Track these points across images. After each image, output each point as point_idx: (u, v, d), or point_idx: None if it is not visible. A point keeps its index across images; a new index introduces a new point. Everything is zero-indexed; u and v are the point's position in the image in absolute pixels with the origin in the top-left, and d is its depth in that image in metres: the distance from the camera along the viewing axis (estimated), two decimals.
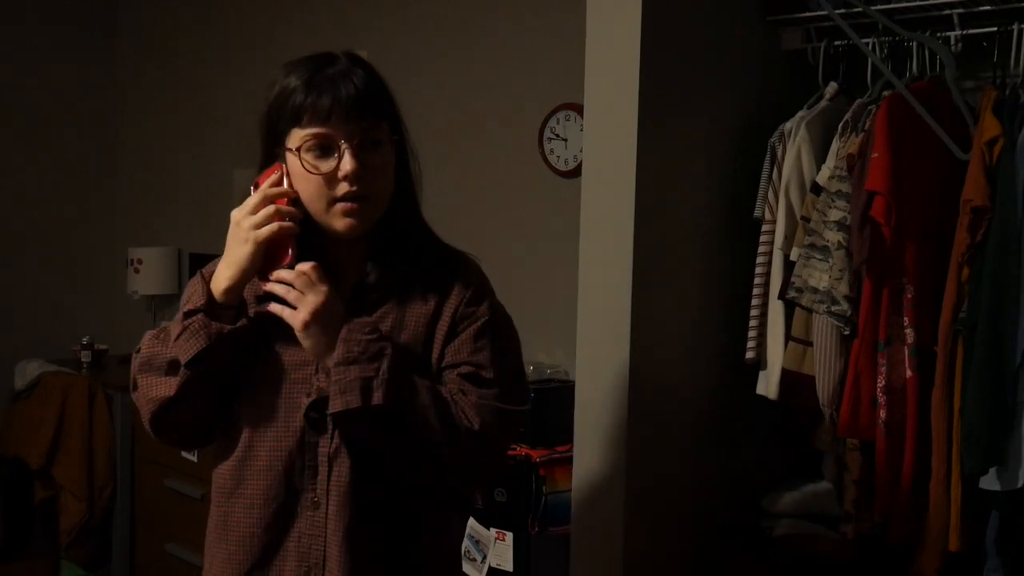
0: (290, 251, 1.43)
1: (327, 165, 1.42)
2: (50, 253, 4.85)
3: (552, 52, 3.38)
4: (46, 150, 4.84)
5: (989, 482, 2.05)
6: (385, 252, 1.52)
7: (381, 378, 1.39)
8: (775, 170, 2.37)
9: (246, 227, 1.42)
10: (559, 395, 2.73)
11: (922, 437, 2.14)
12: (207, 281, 1.46)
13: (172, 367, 1.45)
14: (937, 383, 2.12)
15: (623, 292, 2.21)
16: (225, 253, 1.45)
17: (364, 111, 1.43)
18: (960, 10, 2.24)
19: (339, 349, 1.40)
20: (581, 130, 3.32)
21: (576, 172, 3.33)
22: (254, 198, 1.44)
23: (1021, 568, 2.12)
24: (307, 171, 1.42)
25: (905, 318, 2.16)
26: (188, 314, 1.44)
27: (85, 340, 4.47)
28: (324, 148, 1.42)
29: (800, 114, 2.39)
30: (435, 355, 1.51)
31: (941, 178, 2.17)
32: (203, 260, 5.10)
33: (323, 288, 1.43)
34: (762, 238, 2.38)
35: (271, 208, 1.42)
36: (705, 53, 2.37)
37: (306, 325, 1.41)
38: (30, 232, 4.77)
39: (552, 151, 3.38)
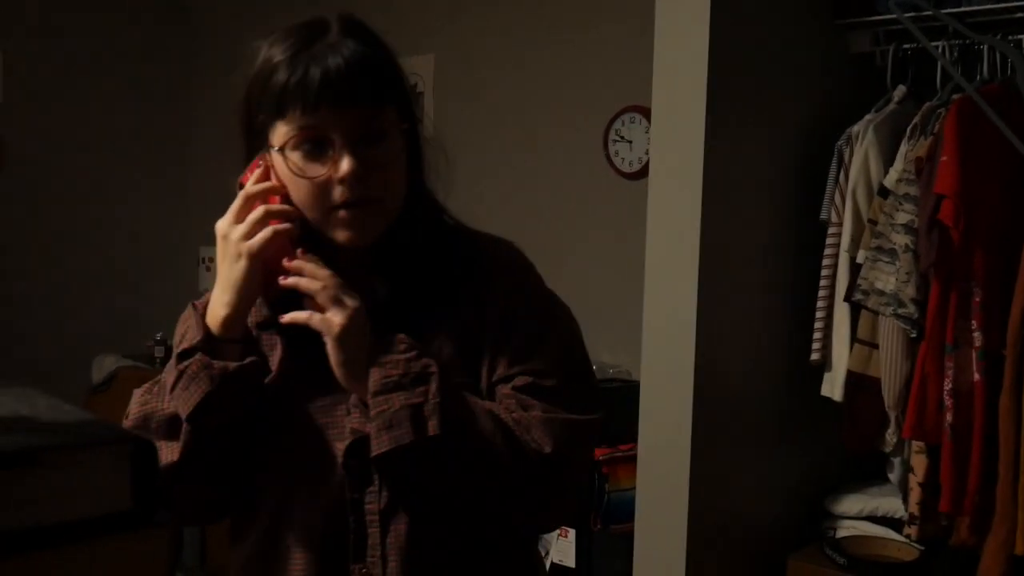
0: (288, 256, 1.15)
1: (318, 168, 1.12)
2: (126, 250, 5.00)
3: (617, 55, 3.41)
4: (124, 149, 4.99)
5: None
6: (399, 262, 1.20)
7: (432, 403, 1.09)
8: (842, 173, 2.38)
9: (235, 239, 1.13)
10: (622, 394, 2.76)
11: (989, 441, 2.14)
12: (202, 314, 1.16)
13: (172, 426, 1.15)
14: (1005, 387, 2.11)
15: (689, 293, 2.23)
16: (217, 276, 1.16)
17: (360, 93, 1.12)
18: None
19: (374, 375, 1.10)
20: (646, 132, 3.35)
21: (641, 174, 3.36)
22: (237, 203, 1.16)
23: None
24: (295, 175, 1.13)
25: (973, 321, 2.15)
26: (183, 355, 1.13)
27: (159, 336, 4.59)
28: (315, 144, 1.12)
29: (868, 117, 2.40)
30: (484, 370, 1.20)
31: (1011, 181, 2.17)
32: None
33: (355, 295, 1.14)
34: (828, 240, 2.39)
35: (260, 211, 1.14)
36: (772, 56, 2.39)
37: (345, 332, 1.11)
38: (108, 229, 4.92)
39: (617, 153, 3.41)
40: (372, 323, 1.14)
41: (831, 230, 2.39)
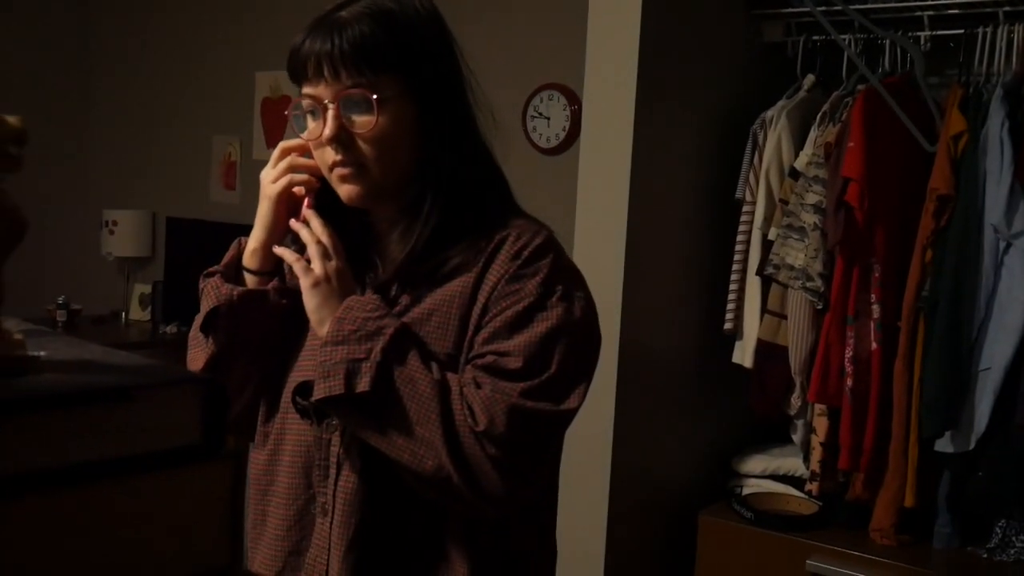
0: (305, 203, 1.28)
1: (315, 129, 1.23)
2: (26, 213, 4.86)
3: (536, 33, 3.52)
4: (20, 110, 4.84)
5: (943, 445, 2.26)
6: (411, 230, 1.25)
7: (372, 361, 1.14)
8: (756, 155, 2.54)
9: (265, 183, 1.29)
10: None
11: (884, 404, 2.35)
12: (241, 247, 1.33)
13: (199, 337, 1.30)
14: (899, 355, 2.32)
15: (615, 266, 2.36)
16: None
17: (355, 64, 1.18)
18: (930, 12, 2.43)
19: (330, 325, 1.18)
20: (564, 109, 3.48)
21: (559, 150, 3.49)
22: (275, 153, 1.30)
23: (968, 522, 2.35)
24: (298, 134, 1.27)
25: (872, 295, 2.35)
26: (207, 276, 1.31)
27: (60, 300, 4.52)
28: (312, 110, 1.23)
29: (780, 103, 2.56)
30: (465, 344, 1.22)
31: (909, 167, 2.36)
32: (179, 224, 5.14)
33: (341, 255, 1.24)
34: (742, 218, 2.55)
35: (286, 161, 1.28)
36: (696, 43, 2.53)
37: (316, 282, 1.21)
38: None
39: (535, 129, 3.52)
40: (376, 287, 1.26)
41: (745, 208, 2.55)
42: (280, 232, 1.29)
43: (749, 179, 2.55)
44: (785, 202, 2.48)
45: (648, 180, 2.40)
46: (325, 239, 1.23)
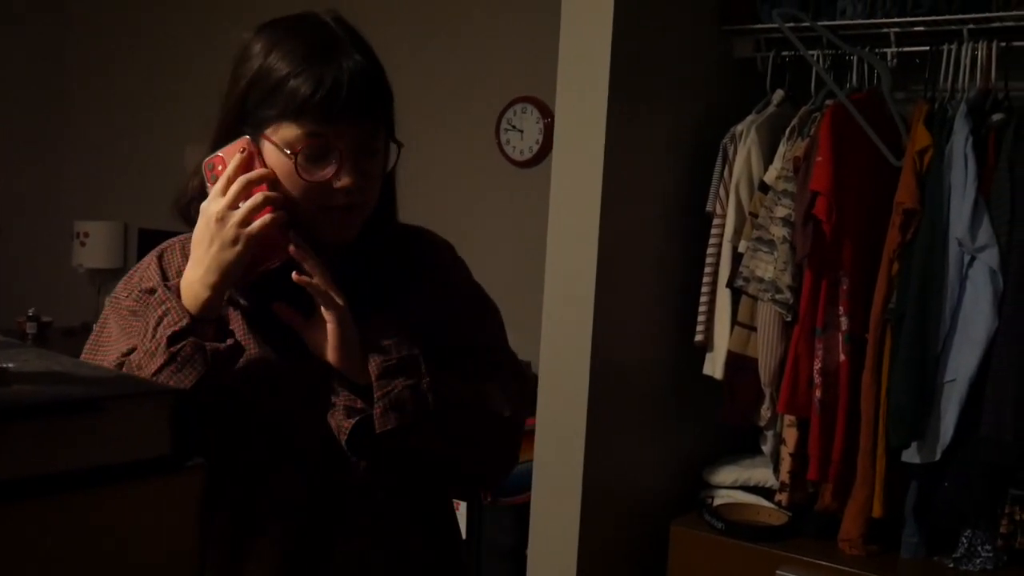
0: (281, 245, 1.19)
1: (320, 171, 1.18)
2: None
3: (509, 47, 3.54)
4: None
5: (910, 456, 2.29)
6: (360, 258, 1.29)
7: (426, 382, 1.20)
8: (726, 169, 2.57)
9: (233, 224, 1.15)
10: None
11: (852, 415, 2.37)
12: (176, 295, 1.18)
13: None
14: (867, 367, 2.35)
15: (587, 278, 2.38)
16: (200, 257, 1.17)
17: (370, 112, 1.21)
18: (897, 29, 2.47)
19: (375, 360, 1.19)
20: (537, 122, 3.50)
21: (532, 162, 3.51)
22: (234, 188, 1.16)
23: (934, 532, 2.37)
24: (299, 176, 1.18)
25: (840, 307, 2.38)
26: (174, 338, 1.13)
27: (30, 312, 4.49)
28: (320, 150, 1.18)
29: (750, 118, 2.60)
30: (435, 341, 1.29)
31: (876, 182, 2.40)
32: (152, 235, 5.10)
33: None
34: (713, 231, 2.58)
35: (259, 197, 1.16)
36: (667, 57, 2.55)
37: (346, 312, 1.20)
38: None
39: (508, 142, 3.54)
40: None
41: (716, 221, 2.58)
42: (240, 278, 1.19)
43: (719, 192, 2.58)
44: (755, 215, 2.51)
45: (620, 193, 2.42)
46: (326, 270, 1.21)
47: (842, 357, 2.38)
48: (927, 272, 2.26)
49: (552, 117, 3.06)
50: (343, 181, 1.18)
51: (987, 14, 2.35)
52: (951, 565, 2.32)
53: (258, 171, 1.18)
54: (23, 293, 4.70)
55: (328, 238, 1.23)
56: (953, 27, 2.40)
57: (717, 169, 2.59)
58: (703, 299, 2.58)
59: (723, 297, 2.56)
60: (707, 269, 2.58)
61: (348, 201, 1.20)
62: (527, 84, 3.50)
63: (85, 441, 0.69)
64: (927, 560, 2.37)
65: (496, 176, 3.52)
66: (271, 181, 1.19)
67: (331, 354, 1.20)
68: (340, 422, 1.21)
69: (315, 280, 1.19)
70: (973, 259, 2.22)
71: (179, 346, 1.13)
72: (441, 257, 1.39)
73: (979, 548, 2.30)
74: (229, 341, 1.18)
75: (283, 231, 1.19)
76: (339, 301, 1.19)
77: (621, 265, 2.47)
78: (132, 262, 4.72)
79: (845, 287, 2.38)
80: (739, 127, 2.59)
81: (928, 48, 2.45)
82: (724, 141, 2.60)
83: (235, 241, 1.16)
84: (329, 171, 1.18)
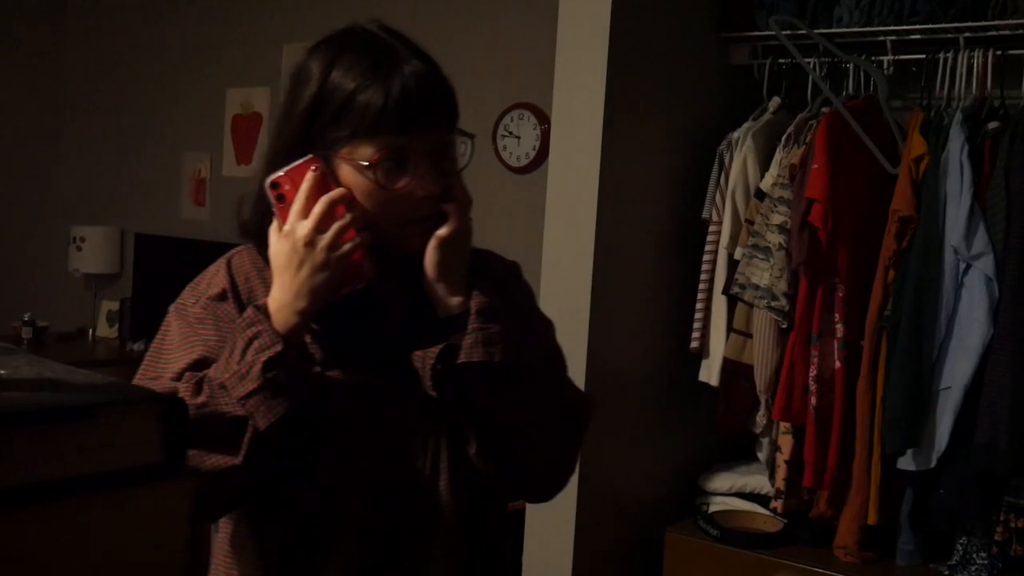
0: (364, 266, 1.17)
1: (399, 182, 1.16)
2: None
3: (507, 53, 3.55)
4: None
5: (906, 463, 2.29)
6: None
7: (518, 337, 1.19)
8: (723, 175, 2.58)
9: (323, 247, 1.13)
10: None
11: (847, 422, 2.37)
12: (269, 317, 1.14)
13: (234, 431, 1.12)
14: (862, 373, 2.35)
15: (583, 284, 2.38)
16: (289, 281, 1.14)
17: (444, 116, 1.19)
18: (893, 37, 2.48)
19: (478, 296, 1.17)
20: (534, 128, 3.50)
21: (528, 168, 3.51)
22: (317, 209, 1.14)
23: (930, 540, 2.37)
24: (381, 188, 1.15)
25: (836, 314, 2.38)
26: (270, 364, 1.10)
27: (26, 317, 4.48)
28: (398, 162, 1.15)
29: (746, 125, 2.60)
30: None
31: (872, 189, 2.40)
32: (148, 240, 5.09)
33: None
34: (709, 238, 2.58)
35: (347, 219, 1.14)
36: (663, 63, 2.56)
37: (463, 235, 1.20)
38: None
39: (505, 148, 3.55)
40: (399, 327, 1.22)
41: (711, 228, 2.58)
42: (327, 301, 1.16)
43: (716, 199, 2.58)
44: (751, 222, 2.51)
45: (616, 199, 2.42)
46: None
47: (838, 364, 2.38)
48: (923, 279, 2.26)
49: (549, 123, 3.06)
50: (427, 189, 1.16)
51: (983, 22, 2.36)
52: (946, 572, 2.32)
53: (338, 191, 1.15)
54: (19, 297, 4.69)
55: (416, 249, 1.18)
56: (949, 35, 2.40)
57: (713, 176, 2.60)
58: (699, 306, 2.58)
59: (719, 304, 2.56)
60: (703, 276, 2.58)
61: (433, 210, 1.17)
62: (524, 90, 3.51)
63: (77, 448, 0.68)
64: (922, 567, 2.37)
65: (493, 182, 3.52)
66: (349, 201, 1.16)
67: (432, 270, 1.18)
68: (427, 352, 1.16)
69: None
70: (969, 267, 2.23)
71: (274, 374, 1.10)
72: (507, 275, 1.35)
73: (974, 555, 2.29)
74: (316, 369, 1.17)
75: (367, 252, 1.16)
76: (468, 197, 1.20)
77: (617, 271, 2.47)
78: (128, 267, 4.73)
79: (841, 294, 2.38)
80: (735, 134, 2.59)
81: (924, 56, 2.45)
82: (720, 148, 2.60)
83: (325, 265, 1.13)
84: (410, 181, 1.15)
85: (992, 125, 2.29)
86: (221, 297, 1.22)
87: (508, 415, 1.20)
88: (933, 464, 2.26)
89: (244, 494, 1.19)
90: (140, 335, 4.50)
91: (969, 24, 2.37)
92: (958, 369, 2.23)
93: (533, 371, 1.21)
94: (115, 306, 4.74)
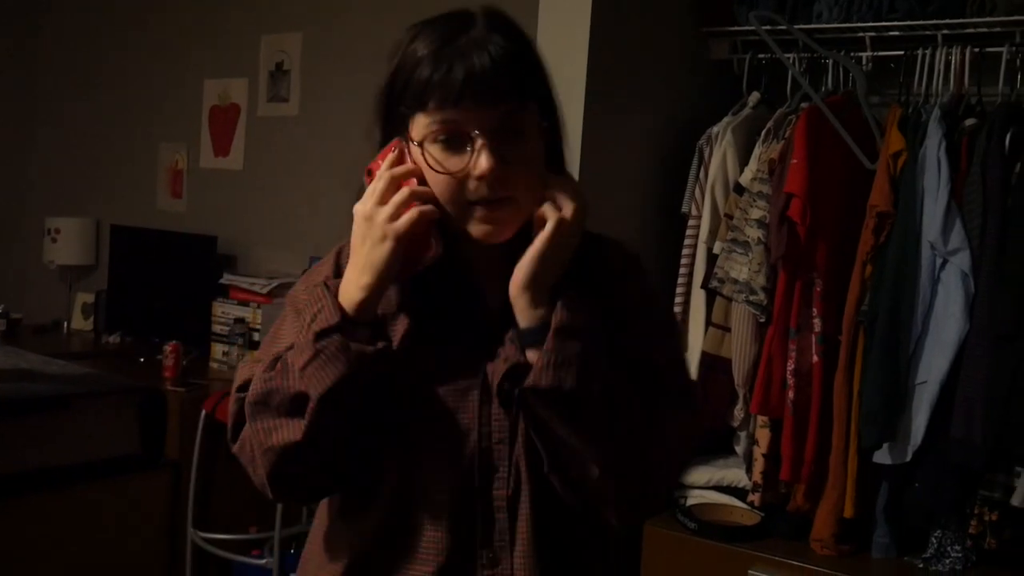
0: (432, 241, 1.15)
1: (457, 161, 1.11)
2: None
3: None
4: None
5: (882, 456, 2.31)
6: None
7: (597, 362, 1.11)
8: (702, 170, 2.58)
9: (381, 221, 1.12)
10: None
11: (825, 416, 2.39)
12: (335, 294, 1.15)
13: (296, 405, 1.13)
14: (840, 368, 2.36)
15: None
16: (353, 257, 1.15)
17: (503, 91, 1.10)
18: (872, 33, 2.49)
19: (560, 312, 1.10)
20: None
21: None
22: (380, 183, 1.13)
23: (905, 533, 2.39)
24: (432, 169, 1.12)
25: (814, 309, 2.39)
26: (320, 335, 1.11)
27: (0, 308, 4.43)
28: (454, 138, 1.11)
29: (726, 120, 2.61)
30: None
31: (850, 184, 2.41)
32: (124, 232, 5.07)
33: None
34: (688, 232, 2.59)
35: (405, 192, 1.12)
36: (643, 58, 2.56)
37: (561, 237, 1.12)
38: None
39: None
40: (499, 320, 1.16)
41: (691, 222, 2.59)
42: (394, 277, 1.14)
43: (695, 193, 2.59)
44: (730, 217, 2.51)
45: (595, 193, 2.39)
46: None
47: (815, 358, 2.40)
48: (900, 275, 2.28)
49: None
50: (480, 168, 1.09)
51: (962, 20, 2.38)
52: (921, 565, 2.34)
53: (404, 167, 1.14)
54: None
55: (478, 237, 1.14)
56: (928, 32, 2.42)
57: (693, 170, 2.60)
58: (678, 299, 2.59)
59: (698, 298, 2.57)
60: (682, 270, 2.59)
61: (490, 192, 1.11)
62: None
63: (54, 439, 0.67)
64: (897, 560, 2.39)
65: None
66: (419, 176, 1.13)
67: (520, 275, 1.12)
68: (498, 364, 1.13)
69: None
70: (945, 262, 2.24)
71: (324, 343, 1.11)
72: (622, 266, 1.25)
73: (949, 548, 2.31)
74: (380, 344, 1.13)
75: (433, 227, 1.14)
76: (569, 207, 1.13)
77: None
78: (104, 259, 4.68)
79: (819, 289, 2.39)
80: (715, 129, 2.60)
81: (903, 53, 2.47)
82: (700, 142, 2.61)
83: (384, 238, 1.12)
84: (464, 158, 1.10)
85: (969, 122, 2.31)
86: (324, 286, 1.20)
87: (582, 444, 1.11)
88: (909, 458, 2.28)
89: (315, 473, 1.18)
90: (116, 327, 4.46)
91: (947, 21, 2.39)
92: (934, 364, 2.25)
93: (616, 399, 1.11)
94: (90, 298, 4.69)
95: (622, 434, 1.12)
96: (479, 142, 1.09)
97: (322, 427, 1.12)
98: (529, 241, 1.13)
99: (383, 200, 1.13)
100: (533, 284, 1.12)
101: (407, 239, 1.12)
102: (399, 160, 1.15)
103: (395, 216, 1.12)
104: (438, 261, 1.16)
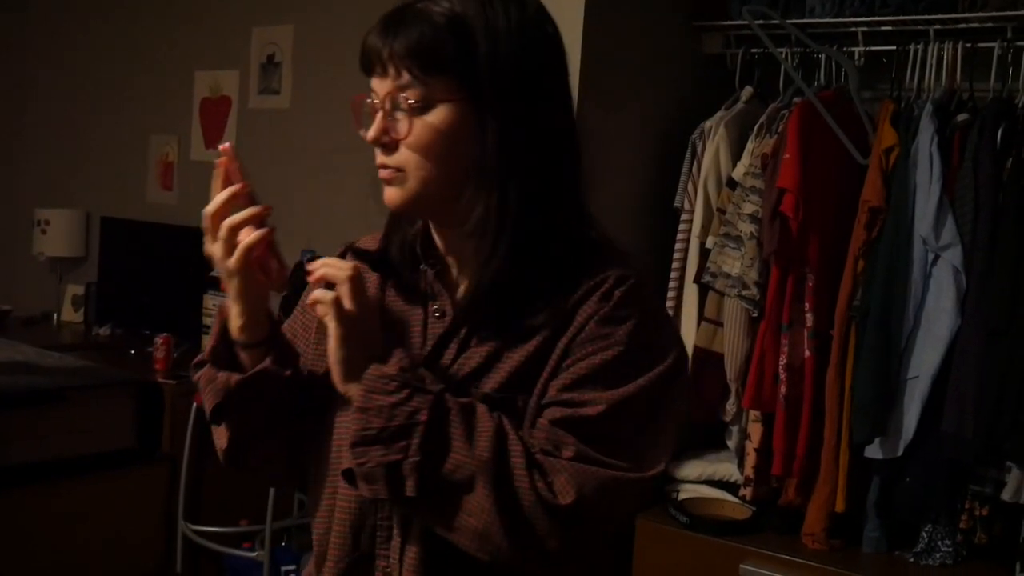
0: (271, 265, 1.11)
1: (368, 129, 1.11)
2: None
3: None
4: None
5: (873, 451, 2.32)
6: (477, 272, 1.11)
7: (411, 462, 1.01)
8: (695, 164, 2.58)
9: (217, 262, 1.11)
10: None
11: (816, 411, 2.39)
12: (223, 318, 1.16)
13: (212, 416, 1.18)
14: (832, 362, 2.37)
15: None
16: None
17: (405, 62, 1.06)
18: (864, 28, 2.49)
19: (356, 423, 1.04)
20: None
21: None
22: (205, 224, 1.11)
23: (896, 527, 2.40)
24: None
25: (806, 304, 2.39)
26: (197, 366, 1.18)
27: None
28: (370, 108, 1.11)
29: (719, 114, 2.60)
30: (539, 387, 1.09)
31: (842, 179, 2.41)
32: (114, 224, 5.06)
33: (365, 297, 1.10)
34: (681, 226, 2.59)
35: (223, 232, 1.09)
36: (636, 52, 2.56)
37: (348, 332, 1.07)
38: None
39: None
40: (440, 335, 1.13)
41: (683, 217, 2.59)
42: (262, 294, 1.13)
43: (688, 188, 2.59)
44: (723, 211, 2.52)
45: (588, 188, 2.41)
46: (352, 275, 1.08)
47: (807, 353, 2.40)
48: (892, 270, 2.28)
49: None
50: (369, 135, 1.10)
51: (954, 15, 2.38)
52: (911, 560, 2.34)
53: (212, 203, 1.10)
54: None
55: (386, 205, 1.13)
56: (920, 27, 2.42)
57: (686, 165, 2.60)
58: (670, 294, 2.59)
59: (690, 293, 2.57)
60: (674, 264, 2.59)
61: (378, 159, 1.10)
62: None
63: (50, 432, 0.67)
64: (888, 555, 2.39)
65: None
66: (242, 197, 1.09)
67: (331, 367, 1.09)
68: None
69: (323, 269, 1.08)
70: (937, 257, 2.25)
71: (199, 373, 1.15)
72: (606, 286, 1.10)
73: (939, 543, 2.32)
74: (258, 368, 1.13)
75: (272, 248, 1.10)
76: (341, 312, 1.06)
77: None
78: (94, 251, 4.67)
79: (811, 284, 2.39)
80: (708, 123, 2.60)
81: (895, 48, 2.47)
82: (693, 137, 2.60)
83: (228, 275, 1.11)
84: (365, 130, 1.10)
85: (961, 117, 2.31)
86: None
87: (436, 529, 1.06)
88: (900, 453, 2.29)
89: (264, 466, 1.23)
90: (106, 320, 4.44)
91: (939, 16, 2.39)
92: (926, 359, 2.25)
93: (455, 483, 1.02)
94: (80, 290, 4.67)
95: (468, 512, 1.02)
96: (377, 112, 1.09)
97: (241, 434, 1.15)
98: (483, 247, 1.10)
99: (212, 238, 1.10)
100: (350, 376, 1.07)
101: (251, 268, 1.10)
102: (224, 179, 1.10)
103: (224, 255, 1.10)
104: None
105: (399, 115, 1.09)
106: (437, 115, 1.08)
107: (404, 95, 1.07)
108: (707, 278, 2.49)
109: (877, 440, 2.30)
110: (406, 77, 1.07)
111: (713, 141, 2.56)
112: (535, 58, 1.11)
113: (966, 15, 2.37)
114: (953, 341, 2.22)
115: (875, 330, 2.29)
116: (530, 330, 1.09)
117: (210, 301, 3.75)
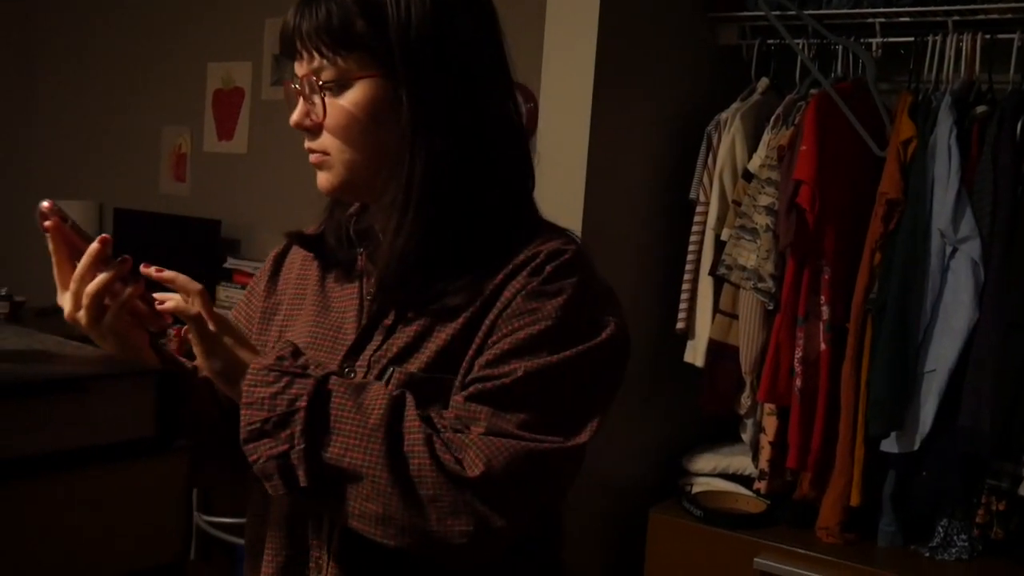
0: (142, 308, 1.06)
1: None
2: None
3: None
4: None
5: (889, 445, 2.30)
6: (414, 256, 1.07)
7: (297, 451, 0.97)
8: (710, 156, 2.57)
9: (82, 324, 1.04)
10: None
11: (832, 404, 2.38)
12: None
13: None
14: (848, 356, 2.35)
15: None
16: None
17: (315, 43, 1.05)
18: (882, 19, 2.47)
19: (243, 419, 0.99)
20: (522, 107, 3.47)
21: None
22: (72, 285, 1.08)
23: (911, 522, 2.39)
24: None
25: (822, 296, 2.38)
26: None
27: (3, 291, 4.42)
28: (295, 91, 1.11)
29: (735, 106, 2.59)
30: (464, 363, 1.05)
31: (860, 171, 2.40)
32: (127, 216, 5.05)
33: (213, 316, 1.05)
34: (696, 218, 2.57)
35: (86, 296, 1.05)
36: (651, 44, 2.54)
37: (213, 344, 1.04)
38: None
39: None
40: (369, 314, 1.11)
41: (699, 209, 2.57)
42: (136, 341, 1.05)
43: (703, 180, 2.57)
44: (738, 203, 2.50)
45: (603, 179, 2.41)
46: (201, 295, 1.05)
47: (823, 346, 2.39)
48: (909, 262, 2.26)
49: (536, 102, 3.04)
50: (292, 119, 1.10)
51: (972, 6, 2.36)
52: (927, 554, 2.33)
53: (81, 267, 1.06)
54: None
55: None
56: (938, 18, 2.40)
57: (701, 156, 2.59)
58: (685, 286, 2.58)
59: (705, 285, 2.55)
60: (690, 257, 2.58)
61: (307, 145, 1.11)
62: (512, 68, 3.48)
63: (70, 421, 0.67)
64: (904, 549, 2.38)
65: None
66: (100, 251, 1.06)
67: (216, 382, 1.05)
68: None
69: (170, 304, 1.05)
70: (955, 250, 2.23)
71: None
72: (535, 260, 1.06)
73: (955, 538, 2.31)
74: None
75: (146, 299, 1.04)
76: (203, 331, 1.02)
77: (604, 251, 2.43)
78: None
79: (827, 276, 2.38)
80: (724, 115, 2.58)
81: (913, 39, 2.45)
82: (708, 129, 2.59)
83: (100, 338, 1.03)
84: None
85: (980, 109, 2.29)
86: None
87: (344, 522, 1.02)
88: (916, 447, 2.27)
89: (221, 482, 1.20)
90: None
91: (958, 7, 2.37)
92: (943, 352, 2.24)
93: (349, 470, 0.98)
94: None
95: (369, 493, 0.98)
96: (295, 93, 1.09)
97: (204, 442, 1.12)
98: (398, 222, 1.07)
99: (75, 307, 1.04)
100: (233, 379, 1.03)
101: (125, 325, 1.03)
102: (63, 242, 1.06)
103: (74, 310, 1.04)
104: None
105: (316, 98, 1.07)
106: (354, 94, 1.06)
107: (317, 77, 1.06)
108: (722, 270, 2.48)
109: (893, 434, 2.29)
110: (318, 58, 1.06)
111: (729, 133, 2.54)
112: (453, 31, 1.08)
113: (985, 6, 2.35)
114: (971, 334, 2.21)
115: (892, 323, 2.27)
116: (456, 308, 1.06)
117: (223, 293, 3.76)
